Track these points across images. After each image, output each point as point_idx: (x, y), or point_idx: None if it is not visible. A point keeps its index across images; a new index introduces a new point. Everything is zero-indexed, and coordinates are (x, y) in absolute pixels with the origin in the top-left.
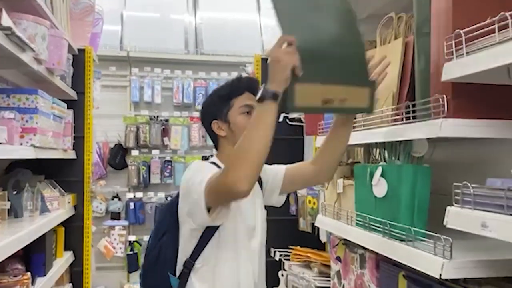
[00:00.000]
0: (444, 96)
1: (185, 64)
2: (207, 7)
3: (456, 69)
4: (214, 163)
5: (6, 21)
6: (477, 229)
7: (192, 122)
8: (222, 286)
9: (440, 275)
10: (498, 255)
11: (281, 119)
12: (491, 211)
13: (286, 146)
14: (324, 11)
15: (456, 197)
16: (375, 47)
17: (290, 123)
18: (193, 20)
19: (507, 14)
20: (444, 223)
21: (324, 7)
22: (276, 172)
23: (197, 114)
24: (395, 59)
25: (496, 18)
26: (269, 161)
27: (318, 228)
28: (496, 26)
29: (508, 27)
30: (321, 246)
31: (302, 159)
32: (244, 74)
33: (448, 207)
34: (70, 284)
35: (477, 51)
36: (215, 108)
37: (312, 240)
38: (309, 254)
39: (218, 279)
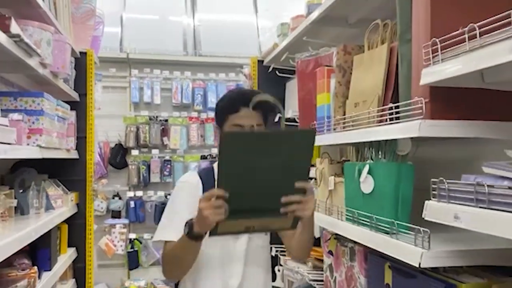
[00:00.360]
0: (423, 98)
1: (183, 65)
2: (205, 9)
3: (433, 74)
4: (212, 168)
5: (15, 28)
6: (451, 221)
7: (190, 122)
8: (201, 286)
9: (419, 264)
10: (473, 246)
11: (276, 119)
12: (463, 204)
13: None
14: (274, 156)
15: (434, 192)
16: (363, 51)
17: (285, 123)
18: (191, 22)
19: (475, 25)
20: (423, 216)
21: (277, 151)
22: None
23: (195, 114)
24: (380, 63)
25: (466, 28)
26: None
27: None
28: (466, 36)
29: (476, 37)
30: (316, 242)
31: None
32: (243, 79)
33: (426, 201)
34: (74, 280)
35: (451, 58)
36: (216, 116)
37: None
38: None
39: (199, 279)
